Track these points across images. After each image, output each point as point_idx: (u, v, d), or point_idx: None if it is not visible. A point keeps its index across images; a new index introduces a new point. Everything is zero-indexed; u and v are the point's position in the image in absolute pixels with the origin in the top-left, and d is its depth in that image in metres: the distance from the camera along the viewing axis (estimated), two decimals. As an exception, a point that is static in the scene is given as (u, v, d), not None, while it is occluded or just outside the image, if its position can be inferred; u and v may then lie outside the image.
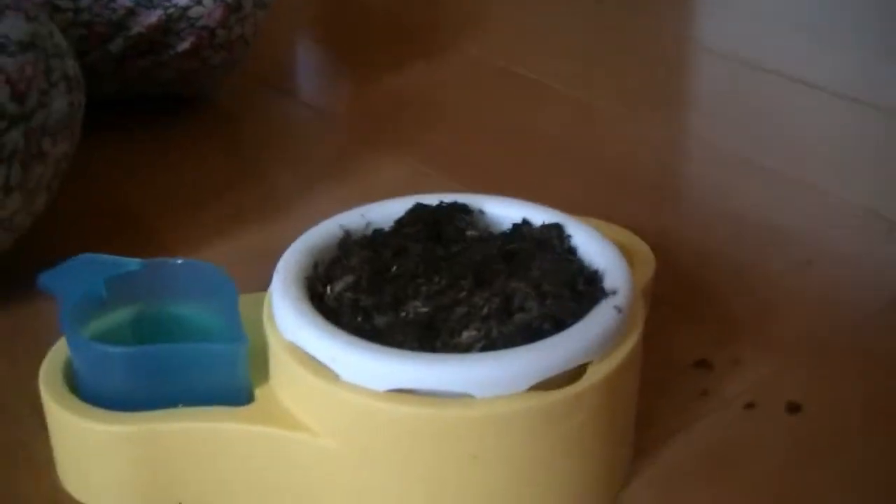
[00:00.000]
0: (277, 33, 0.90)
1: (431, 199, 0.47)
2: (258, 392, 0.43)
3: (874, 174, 0.69)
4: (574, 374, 0.40)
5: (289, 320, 0.41)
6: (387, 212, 0.47)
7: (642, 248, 0.53)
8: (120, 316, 0.47)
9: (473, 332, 0.39)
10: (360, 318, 0.41)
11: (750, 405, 0.48)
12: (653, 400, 0.47)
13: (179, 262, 0.47)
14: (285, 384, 0.42)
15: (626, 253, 0.51)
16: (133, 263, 0.47)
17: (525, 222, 0.47)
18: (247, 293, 0.45)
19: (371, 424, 0.39)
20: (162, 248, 0.60)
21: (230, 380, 0.42)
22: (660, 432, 0.46)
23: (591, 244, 0.45)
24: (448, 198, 0.48)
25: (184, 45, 0.70)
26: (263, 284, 0.44)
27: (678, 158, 0.72)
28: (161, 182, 0.69)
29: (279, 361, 0.41)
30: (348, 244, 0.45)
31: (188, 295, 0.47)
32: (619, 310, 0.40)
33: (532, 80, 0.83)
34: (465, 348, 0.39)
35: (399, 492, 0.40)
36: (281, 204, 0.65)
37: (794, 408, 0.48)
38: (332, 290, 0.42)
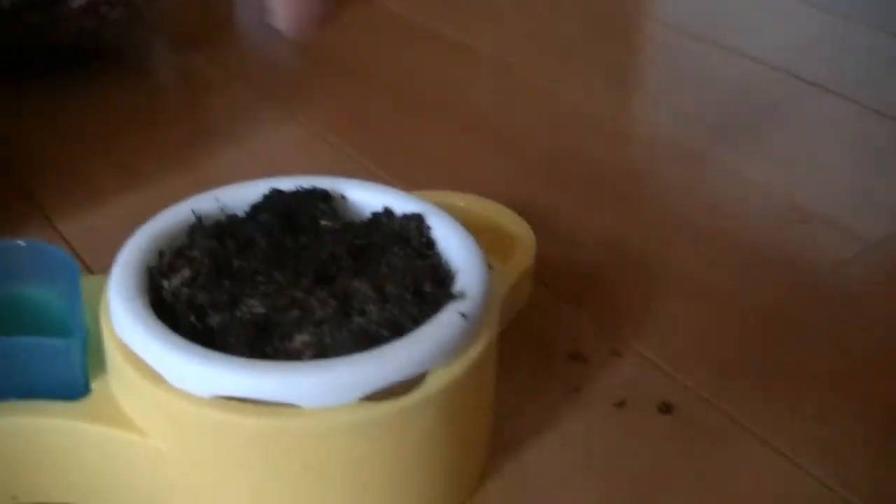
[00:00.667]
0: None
1: (290, 184, 0.45)
2: (95, 385, 0.41)
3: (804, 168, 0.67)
4: (414, 383, 0.38)
5: (120, 317, 0.39)
6: (243, 196, 0.45)
7: (523, 230, 0.51)
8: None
9: (306, 338, 0.37)
10: (193, 317, 0.39)
11: (621, 403, 0.46)
12: (522, 395, 0.46)
13: (23, 244, 0.45)
14: (117, 381, 0.40)
15: (506, 235, 0.50)
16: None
17: (386, 211, 0.44)
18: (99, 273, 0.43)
19: (198, 430, 0.38)
20: (36, 207, 0.58)
21: (65, 374, 0.41)
22: (525, 430, 0.45)
23: (451, 238, 0.43)
24: (308, 181, 0.45)
25: (79, 2, 0.67)
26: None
27: (600, 137, 0.69)
28: (47, 134, 0.66)
29: (111, 358, 0.40)
30: (196, 231, 0.43)
31: (35, 277, 0.45)
32: (464, 316, 0.38)
33: (463, 45, 0.80)
34: (296, 354, 0.37)
35: (229, 498, 0.38)
36: (160, 167, 0.63)
37: (666, 408, 0.46)
38: (169, 284, 0.40)
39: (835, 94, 0.73)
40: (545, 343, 0.49)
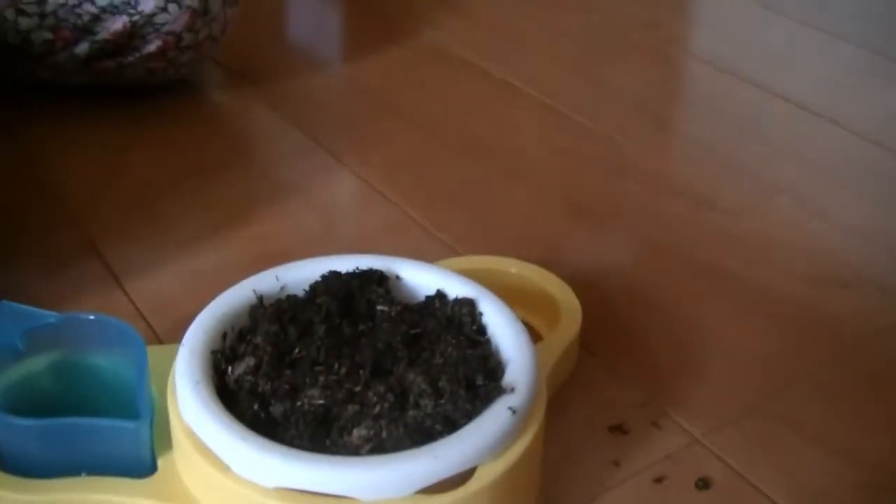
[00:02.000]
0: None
1: (347, 264, 0.47)
2: (161, 462, 0.43)
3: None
4: (464, 476, 0.40)
5: (187, 403, 0.41)
6: (302, 275, 0.47)
7: (569, 298, 0.53)
8: (38, 363, 0.48)
9: (364, 432, 0.39)
10: (256, 406, 0.41)
11: (659, 479, 0.48)
12: (563, 468, 0.47)
13: (92, 317, 0.47)
14: (183, 463, 0.42)
15: (552, 305, 0.51)
16: (50, 316, 0.47)
17: (438, 295, 0.46)
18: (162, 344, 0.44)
19: (260, 518, 0.40)
20: (102, 264, 0.60)
21: (133, 453, 0.43)
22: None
23: (501, 324, 0.45)
24: (365, 262, 0.47)
25: (150, 48, 0.70)
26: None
27: (633, 184, 0.71)
28: (108, 178, 0.69)
29: (178, 441, 0.42)
30: (258, 313, 0.45)
31: (103, 346, 0.47)
32: (513, 411, 0.40)
33: (506, 83, 0.82)
34: (355, 449, 0.39)
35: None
36: (219, 221, 0.65)
37: (704, 484, 0.47)
38: (233, 371, 0.42)
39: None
40: (587, 413, 0.51)
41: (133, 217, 0.65)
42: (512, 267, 0.55)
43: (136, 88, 0.75)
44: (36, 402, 0.47)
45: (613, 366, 0.54)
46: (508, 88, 0.81)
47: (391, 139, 0.74)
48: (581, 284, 0.54)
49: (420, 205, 0.66)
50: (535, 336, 0.53)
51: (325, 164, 0.70)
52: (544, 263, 0.55)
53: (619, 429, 0.50)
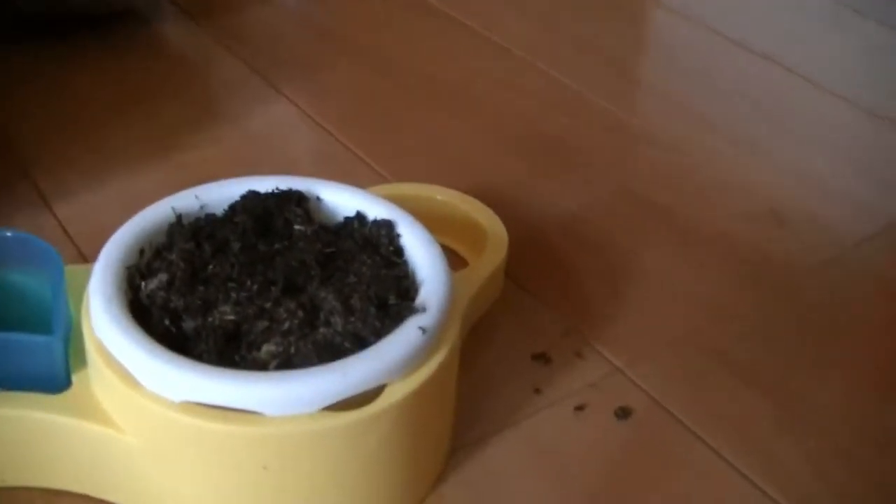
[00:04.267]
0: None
1: (268, 184, 0.47)
2: (76, 378, 0.43)
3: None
4: (373, 394, 0.40)
5: (99, 318, 0.41)
6: (222, 195, 0.47)
7: (497, 225, 0.53)
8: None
9: (272, 348, 0.39)
10: (167, 321, 0.41)
11: (580, 407, 0.48)
12: (483, 395, 0.48)
13: (10, 234, 0.47)
14: (95, 378, 0.42)
15: (479, 233, 0.51)
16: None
17: (358, 216, 0.46)
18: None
19: (167, 431, 0.40)
20: (33, 187, 0.60)
21: (47, 369, 0.43)
22: (484, 430, 0.47)
23: (419, 247, 0.45)
24: (285, 182, 0.47)
25: None
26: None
27: (591, 126, 0.71)
28: (48, 109, 0.68)
29: (91, 357, 0.42)
30: (175, 231, 0.45)
31: (23, 264, 0.47)
32: (424, 330, 0.40)
33: (461, 25, 0.81)
34: (262, 364, 0.39)
35: (194, 495, 0.41)
36: (154, 148, 0.64)
37: (623, 413, 0.48)
38: (146, 286, 0.42)
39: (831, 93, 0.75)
40: (511, 342, 0.51)
41: (69, 143, 0.64)
42: (438, 194, 0.55)
43: (83, 18, 0.74)
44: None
45: (540, 296, 0.54)
46: (474, 36, 0.80)
47: (335, 72, 0.74)
48: (513, 218, 0.54)
49: (355, 134, 0.66)
50: (460, 263, 0.53)
51: (264, 95, 0.70)
52: (477, 195, 0.55)
53: (542, 357, 0.50)
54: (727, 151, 0.67)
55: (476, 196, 0.55)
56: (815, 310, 0.54)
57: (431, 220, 0.48)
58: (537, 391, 0.49)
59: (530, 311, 0.53)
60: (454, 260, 0.53)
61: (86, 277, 0.44)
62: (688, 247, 0.58)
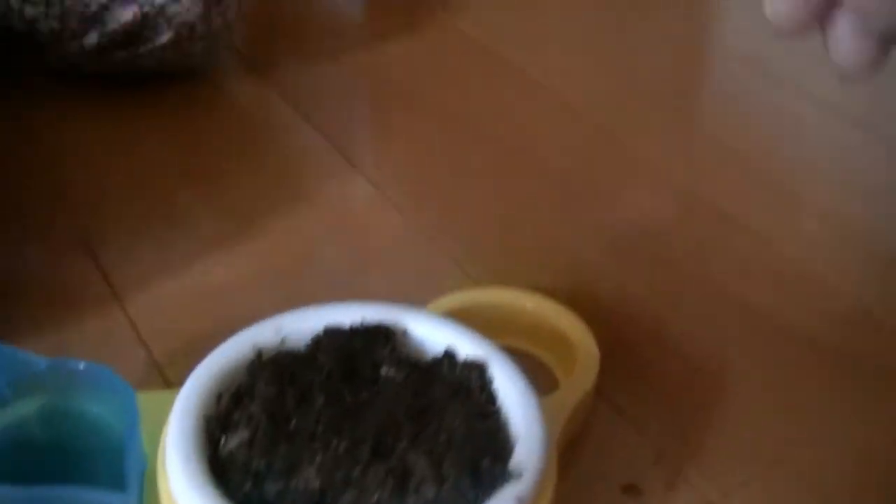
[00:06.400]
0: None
1: (351, 314, 0.45)
2: (149, 531, 0.41)
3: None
4: (465, 568, 0.38)
5: (177, 480, 0.39)
6: (304, 327, 0.45)
7: (588, 342, 0.51)
8: (25, 407, 0.46)
9: (361, 522, 0.37)
10: (249, 485, 0.39)
11: (674, 547, 0.45)
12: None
13: (82, 366, 0.45)
14: (173, 536, 0.40)
15: (569, 349, 0.49)
16: (39, 363, 0.46)
17: (447, 356, 0.44)
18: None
19: None
20: (97, 268, 0.58)
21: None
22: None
23: (513, 394, 0.43)
24: (370, 313, 0.45)
25: (162, 40, 0.68)
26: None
27: (671, 207, 0.67)
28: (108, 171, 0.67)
29: (167, 513, 0.40)
30: (257, 370, 0.43)
31: (93, 392, 0.46)
32: (520, 501, 0.38)
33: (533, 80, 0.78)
34: (350, 539, 0.37)
35: None
36: (226, 227, 0.62)
37: (718, 551, 0.45)
38: (226, 442, 0.40)
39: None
40: (601, 471, 0.48)
41: (136, 214, 0.63)
42: (528, 302, 0.53)
43: (147, 77, 0.72)
44: (24, 448, 0.46)
45: (627, 413, 0.51)
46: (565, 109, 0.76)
47: (408, 137, 0.71)
48: (597, 320, 0.52)
49: (432, 218, 0.63)
50: (549, 381, 0.50)
51: (339, 169, 0.68)
52: (559, 290, 0.53)
53: (631, 489, 0.48)
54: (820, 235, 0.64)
55: (558, 291, 0.53)
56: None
57: (519, 332, 0.49)
58: (629, 529, 0.46)
59: (618, 435, 0.50)
60: (541, 375, 0.51)
61: (160, 406, 0.42)
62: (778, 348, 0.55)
